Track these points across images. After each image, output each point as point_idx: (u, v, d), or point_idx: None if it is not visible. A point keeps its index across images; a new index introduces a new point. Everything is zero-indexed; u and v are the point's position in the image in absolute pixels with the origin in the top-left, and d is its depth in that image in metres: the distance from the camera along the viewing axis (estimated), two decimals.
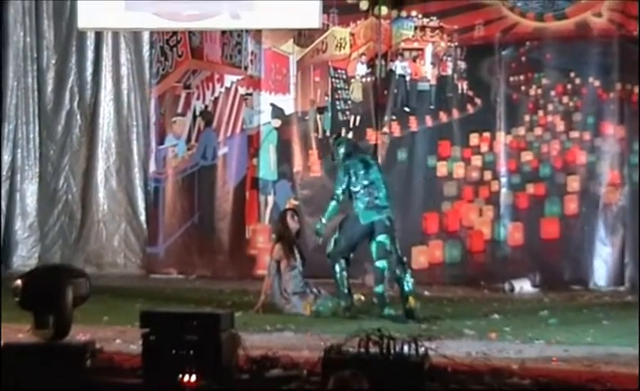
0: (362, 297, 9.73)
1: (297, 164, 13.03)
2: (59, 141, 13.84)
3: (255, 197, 13.20)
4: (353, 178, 9.34)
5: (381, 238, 9.20)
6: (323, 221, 9.52)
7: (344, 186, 9.38)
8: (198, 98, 13.52)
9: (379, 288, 9.17)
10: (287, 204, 12.38)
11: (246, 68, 13.27)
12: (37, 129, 13.84)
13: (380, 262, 9.18)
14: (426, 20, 12.67)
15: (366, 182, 9.34)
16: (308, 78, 13.11)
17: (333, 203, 9.44)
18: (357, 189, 9.33)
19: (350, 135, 12.33)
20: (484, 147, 12.52)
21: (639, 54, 11.77)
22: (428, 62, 12.71)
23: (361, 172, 9.37)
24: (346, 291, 9.36)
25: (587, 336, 8.09)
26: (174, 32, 13.44)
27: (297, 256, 9.64)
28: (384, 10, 12.78)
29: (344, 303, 9.30)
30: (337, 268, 9.36)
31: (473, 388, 5.74)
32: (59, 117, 13.85)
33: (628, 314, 9.69)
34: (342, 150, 9.62)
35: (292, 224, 9.77)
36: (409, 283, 9.16)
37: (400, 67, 12.75)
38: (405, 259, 9.46)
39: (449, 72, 12.65)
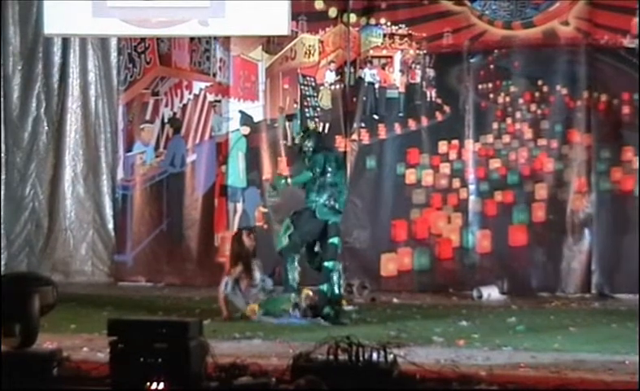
0: (310, 293, 9.71)
1: (266, 172, 12.99)
2: (25, 148, 13.71)
3: (224, 204, 13.15)
4: (326, 169, 9.40)
5: (334, 240, 9.46)
6: (289, 181, 9.61)
7: (319, 169, 9.39)
8: (166, 105, 13.46)
9: (323, 287, 9.37)
10: (256, 212, 12.37)
11: (214, 75, 13.23)
12: (2, 136, 13.70)
13: (329, 263, 9.40)
14: (395, 28, 12.70)
15: (331, 181, 9.42)
16: (277, 85, 13.09)
17: (309, 174, 9.45)
18: (322, 183, 9.38)
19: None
20: (453, 155, 12.56)
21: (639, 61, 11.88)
22: (397, 69, 12.74)
23: (332, 169, 9.46)
24: (296, 286, 9.48)
25: (554, 342, 8.14)
26: (142, 39, 13.37)
27: (256, 274, 9.64)
28: (353, 17, 12.79)
29: (292, 299, 9.37)
30: (289, 264, 9.45)
31: None
32: (26, 124, 13.73)
33: (594, 320, 9.79)
34: (310, 143, 9.67)
35: (248, 242, 9.77)
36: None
37: (369, 74, 12.77)
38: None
39: (418, 79, 12.69)
